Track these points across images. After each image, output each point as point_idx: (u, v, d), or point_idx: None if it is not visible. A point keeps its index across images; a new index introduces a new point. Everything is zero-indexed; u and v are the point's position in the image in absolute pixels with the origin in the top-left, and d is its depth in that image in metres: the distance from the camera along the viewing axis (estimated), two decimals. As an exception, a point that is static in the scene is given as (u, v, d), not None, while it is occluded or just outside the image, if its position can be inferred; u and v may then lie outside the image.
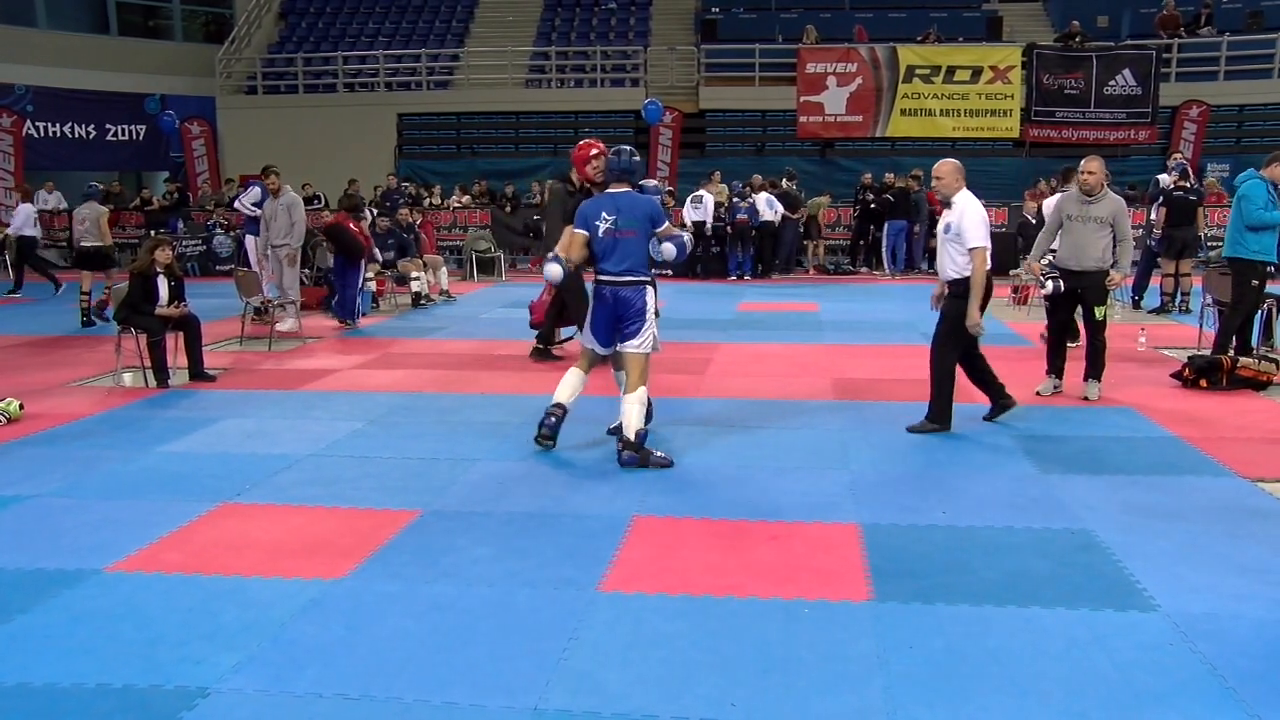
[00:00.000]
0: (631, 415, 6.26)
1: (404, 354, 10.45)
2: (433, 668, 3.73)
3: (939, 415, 7.06)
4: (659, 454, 6.29)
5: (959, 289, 6.91)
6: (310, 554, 4.88)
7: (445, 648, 3.89)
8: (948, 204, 7.05)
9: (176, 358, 8.98)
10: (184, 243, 18.29)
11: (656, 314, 6.51)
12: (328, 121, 22.87)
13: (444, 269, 15.71)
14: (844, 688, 3.57)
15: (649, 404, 6.64)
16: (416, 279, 14.20)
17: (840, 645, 3.88)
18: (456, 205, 20.12)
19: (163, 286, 8.88)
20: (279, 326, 11.42)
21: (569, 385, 6.58)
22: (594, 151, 7.81)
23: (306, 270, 14.73)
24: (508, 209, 19.70)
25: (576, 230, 6.50)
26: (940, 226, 7.17)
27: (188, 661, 3.77)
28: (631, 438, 6.23)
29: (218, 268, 18.52)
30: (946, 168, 7.07)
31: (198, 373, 8.93)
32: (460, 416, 7.61)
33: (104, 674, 3.68)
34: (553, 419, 6.56)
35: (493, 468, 6.27)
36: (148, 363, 8.78)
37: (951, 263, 6.94)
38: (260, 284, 11.66)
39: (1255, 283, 8.64)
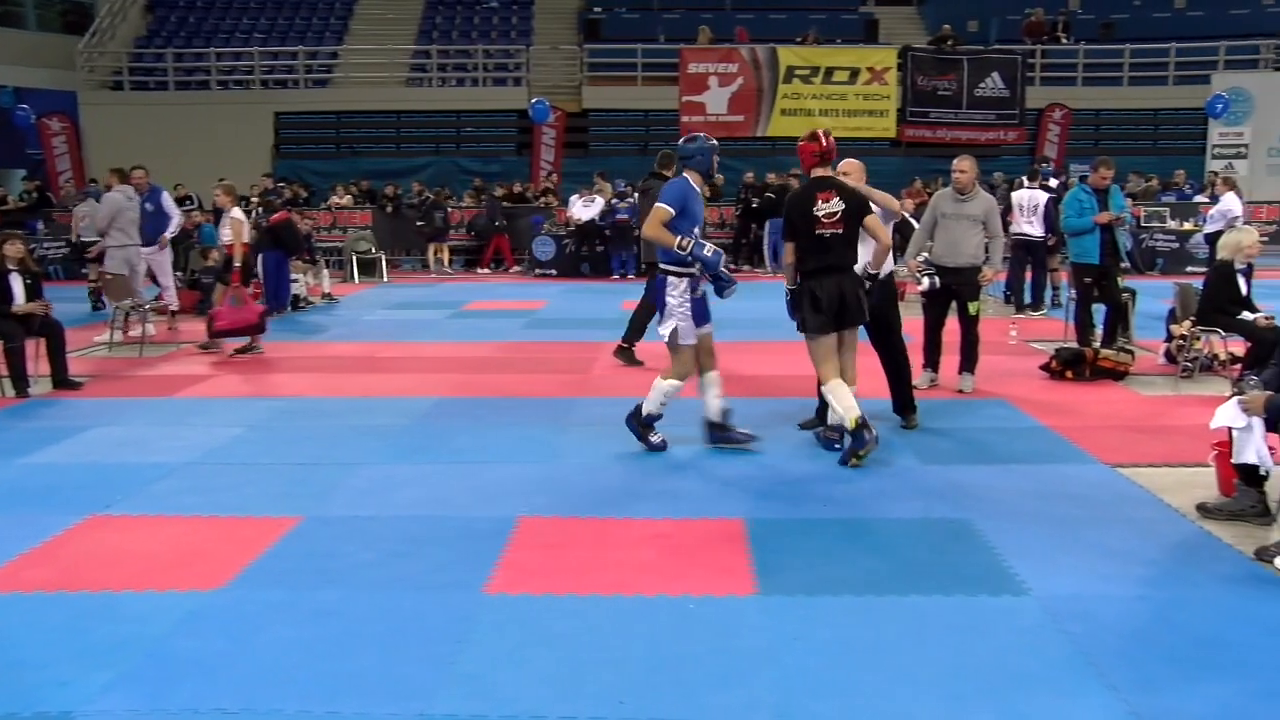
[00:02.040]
0: (652, 391, 6.51)
1: (285, 358, 10.19)
2: (317, 676, 3.65)
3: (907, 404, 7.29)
4: (654, 439, 6.54)
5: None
6: (188, 565, 4.72)
7: (330, 656, 3.81)
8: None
9: (38, 365, 8.57)
10: (45, 244, 17.49)
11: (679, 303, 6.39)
12: (201, 120, 22.11)
13: (325, 271, 15.37)
14: (733, 682, 3.61)
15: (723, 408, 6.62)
16: (295, 280, 13.86)
17: (728, 640, 3.92)
18: (337, 205, 19.70)
19: (16, 285, 8.42)
20: (133, 332, 10.99)
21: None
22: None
23: (179, 274, 14.27)
24: (389, 209, 19.38)
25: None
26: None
27: (52, 684, 3.60)
28: (641, 410, 6.53)
29: (84, 270, 17.76)
30: (853, 165, 7.41)
31: (62, 380, 8.55)
32: (343, 420, 7.45)
33: (-38, 699, 3.50)
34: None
35: (377, 471, 6.16)
36: (5, 371, 8.35)
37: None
38: (132, 288, 11.21)
39: (1087, 281, 9.23)
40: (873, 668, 3.70)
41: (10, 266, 8.45)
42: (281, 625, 4.07)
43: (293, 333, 11.88)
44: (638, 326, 9.43)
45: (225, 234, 10.95)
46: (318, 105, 23.21)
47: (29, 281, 8.53)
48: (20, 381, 8.30)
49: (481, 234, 19.23)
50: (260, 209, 14.57)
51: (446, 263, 18.98)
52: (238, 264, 10.53)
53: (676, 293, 6.36)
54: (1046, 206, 12.66)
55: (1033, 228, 12.70)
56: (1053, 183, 14.05)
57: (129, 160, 12.61)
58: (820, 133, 6.49)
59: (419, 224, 18.83)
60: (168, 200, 11.88)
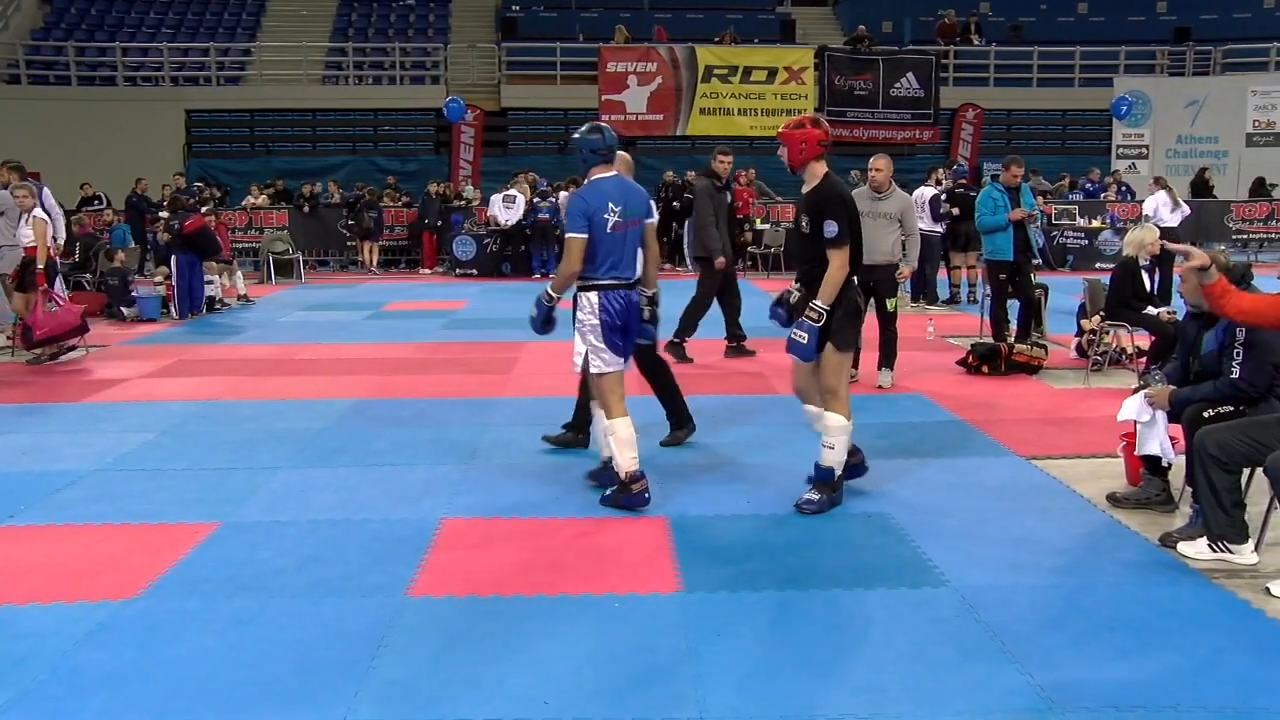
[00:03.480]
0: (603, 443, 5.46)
1: (199, 360, 9.95)
2: (235, 686, 3.57)
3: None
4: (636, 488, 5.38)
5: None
6: (97, 575, 4.58)
7: (248, 665, 3.73)
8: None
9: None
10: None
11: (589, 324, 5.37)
12: (107, 117, 21.51)
13: (239, 272, 15.06)
14: (656, 679, 3.62)
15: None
16: (210, 282, 13.57)
17: (651, 637, 3.93)
18: (253, 206, 19.32)
19: None
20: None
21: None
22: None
23: (88, 275, 13.88)
24: (306, 209, 19.07)
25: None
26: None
27: (-44, 700, 3.47)
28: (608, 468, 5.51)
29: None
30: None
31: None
32: (260, 424, 7.31)
33: None
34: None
35: (294, 476, 6.05)
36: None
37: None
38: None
39: (1001, 277, 9.45)
40: (795, 662, 3.74)
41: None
42: (197, 635, 3.97)
43: (207, 335, 11.62)
44: (689, 322, 9.46)
45: (26, 233, 10.02)
46: (230, 103, 22.77)
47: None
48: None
49: (414, 233, 19.05)
50: (170, 211, 14.17)
51: (374, 263, 18.79)
52: (40, 266, 9.75)
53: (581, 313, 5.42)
54: (930, 202, 13.06)
55: (923, 223, 13.08)
56: (942, 180, 14.42)
57: (30, 156, 12.19)
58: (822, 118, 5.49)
59: (350, 224, 18.58)
60: (48, 198, 11.34)
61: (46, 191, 11.39)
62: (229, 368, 9.56)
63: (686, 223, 18.46)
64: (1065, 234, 18.41)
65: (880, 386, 8.29)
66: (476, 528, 5.18)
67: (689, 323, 9.48)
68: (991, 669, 3.67)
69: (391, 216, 19.41)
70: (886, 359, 8.39)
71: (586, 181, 5.36)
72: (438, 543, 4.95)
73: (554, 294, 5.35)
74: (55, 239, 10.79)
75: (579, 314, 5.40)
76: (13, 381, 8.97)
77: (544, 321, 5.45)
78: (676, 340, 9.43)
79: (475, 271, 18.02)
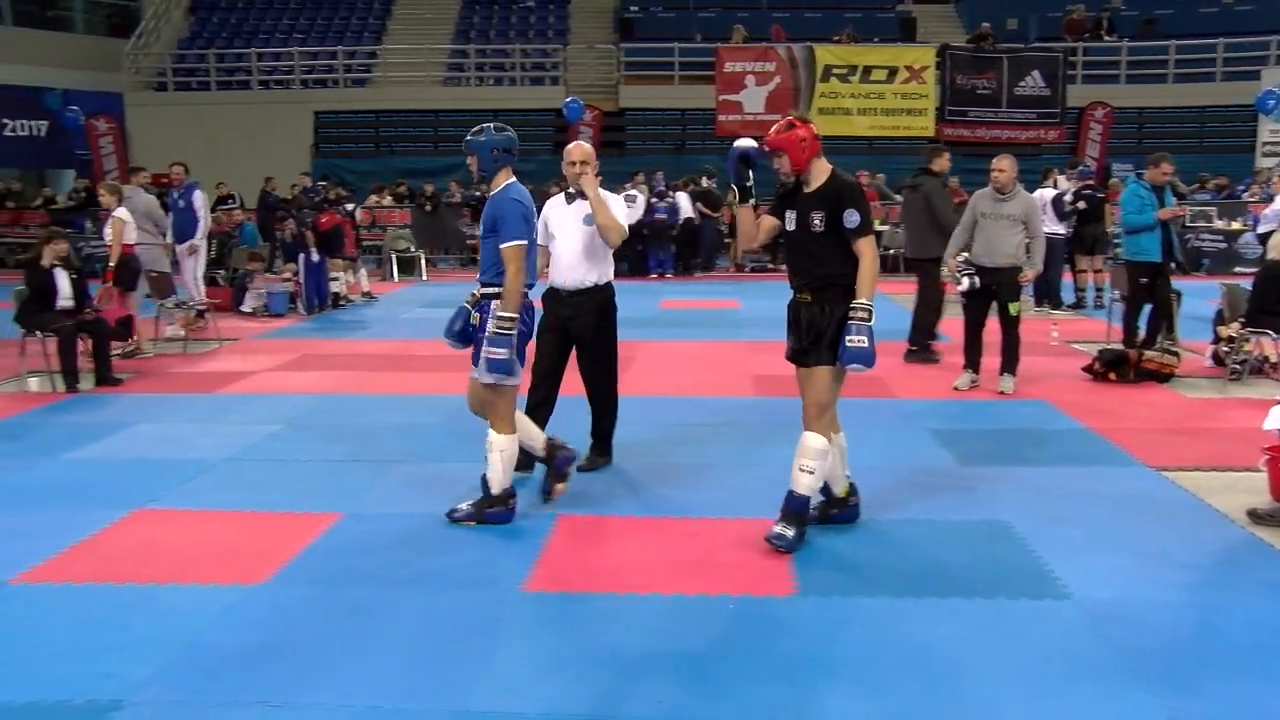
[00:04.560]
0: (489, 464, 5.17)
1: (323, 355, 10.27)
2: (355, 672, 3.67)
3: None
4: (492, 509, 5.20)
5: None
6: (227, 560, 4.77)
7: (368, 651, 3.83)
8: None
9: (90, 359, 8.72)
10: (91, 243, 17.73)
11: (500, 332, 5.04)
12: (242, 119, 22.37)
13: (363, 269, 15.50)
14: (769, 682, 3.59)
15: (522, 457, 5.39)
16: (335, 279, 14.01)
17: (765, 640, 3.91)
18: (378, 205, 19.86)
19: (63, 281, 8.60)
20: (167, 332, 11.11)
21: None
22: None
23: (221, 271, 14.44)
24: (428, 208, 19.51)
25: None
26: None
27: (98, 675, 3.65)
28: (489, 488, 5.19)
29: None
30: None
31: (105, 377, 8.67)
32: (380, 418, 7.50)
33: (7, 691, 3.55)
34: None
35: (413, 469, 6.20)
36: (55, 366, 8.50)
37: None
38: (174, 285, 11.35)
39: (1143, 280, 9.01)
40: (909, 670, 3.67)
41: (55, 264, 8.60)
42: (319, 621, 4.10)
43: (331, 330, 11.98)
44: (925, 325, 9.40)
45: (107, 233, 10.30)
46: (356, 104, 23.41)
47: (74, 277, 8.69)
48: (70, 377, 8.43)
49: None
50: (299, 209, 14.67)
51: None
52: (112, 263, 9.94)
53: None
54: (1052, 203, 12.65)
55: (1045, 225, 12.71)
56: (1063, 181, 13.99)
57: (172, 158, 12.75)
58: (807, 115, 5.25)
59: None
60: (196, 199, 11.86)
61: (197, 192, 11.90)
62: (352, 362, 9.84)
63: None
64: (1200, 237, 17.66)
65: (1001, 392, 8.09)
66: (591, 525, 5.22)
67: (925, 325, 9.33)
68: (1119, 689, 3.54)
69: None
70: (1008, 364, 8.17)
71: (505, 185, 5.09)
72: (553, 539, 5.01)
73: (511, 314, 4.94)
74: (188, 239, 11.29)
75: (489, 322, 5.02)
76: (153, 373, 9.40)
77: (511, 357, 4.98)
78: (915, 347, 9.35)
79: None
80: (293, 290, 13.55)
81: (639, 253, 18.11)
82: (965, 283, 8.08)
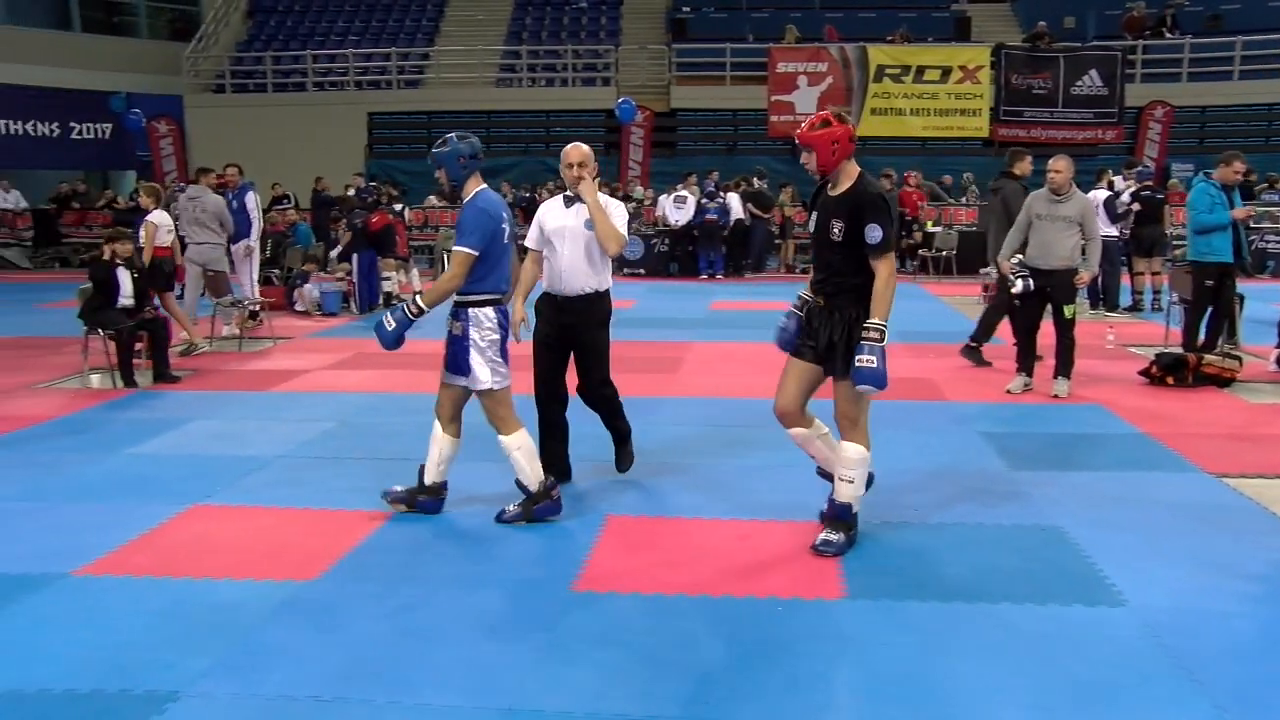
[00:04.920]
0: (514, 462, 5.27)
1: (375, 354, 10.32)
2: (405, 669, 3.71)
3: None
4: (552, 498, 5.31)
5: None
6: (281, 556, 4.84)
7: (418, 649, 3.87)
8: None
9: (143, 358, 8.89)
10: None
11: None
12: (297, 121, 22.70)
13: (415, 269, 15.65)
14: (817, 685, 3.58)
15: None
16: (388, 279, 14.17)
17: (813, 643, 3.89)
18: (429, 206, 20.05)
19: (124, 280, 8.78)
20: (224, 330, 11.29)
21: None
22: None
23: (276, 270, 14.66)
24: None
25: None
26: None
27: (157, 665, 3.73)
28: (525, 488, 5.29)
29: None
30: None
31: (162, 374, 8.84)
32: (431, 416, 7.53)
33: (71, 679, 3.63)
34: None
35: (464, 468, 6.21)
36: (115, 363, 8.69)
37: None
38: (230, 284, 11.54)
39: (1209, 283, 8.79)
40: (959, 675, 3.63)
41: (119, 263, 8.79)
42: (371, 618, 4.15)
43: (384, 330, 12.08)
44: (988, 325, 9.31)
45: (141, 235, 10.35)
46: (409, 106, 23.64)
47: (135, 276, 8.87)
48: (128, 374, 8.62)
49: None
50: (349, 210, 14.86)
51: None
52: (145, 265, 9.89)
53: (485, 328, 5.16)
54: (1104, 205, 12.44)
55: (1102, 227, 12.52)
56: (1119, 182, 13.76)
57: (229, 159, 12.96)
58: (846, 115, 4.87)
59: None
60: (249, 201, 12.06)
61: (250, 194, 12.09)
62: (403, 361, 9.85)
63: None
64: (1265, 238, 17.29)
65: (1055, 395, 7.98)
66: (641, 525, 5.23)
67: (988, 325, 9.25)
68: (1178, 700, 3.47)
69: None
70: (1063, 367, 8.06)
71: (475, 192, 5.09)
72: (602, 539, 5.02)
73: (425, 308, 5.07)
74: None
75: (473, 331, 5.09)
76: (209, 370, 9.56)
77: (398, 339, 5.14)
78: (974, 344, 9.27)
79: (643, 271, 18.21)
80: (346, 290, 13.72)
81: (689, 253, 18.13)
82: (1020, 285, 7.99)
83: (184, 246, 11.53)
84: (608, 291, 5.74)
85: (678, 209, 17.90)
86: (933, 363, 9.32)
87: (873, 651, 3.81)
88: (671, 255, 18.26)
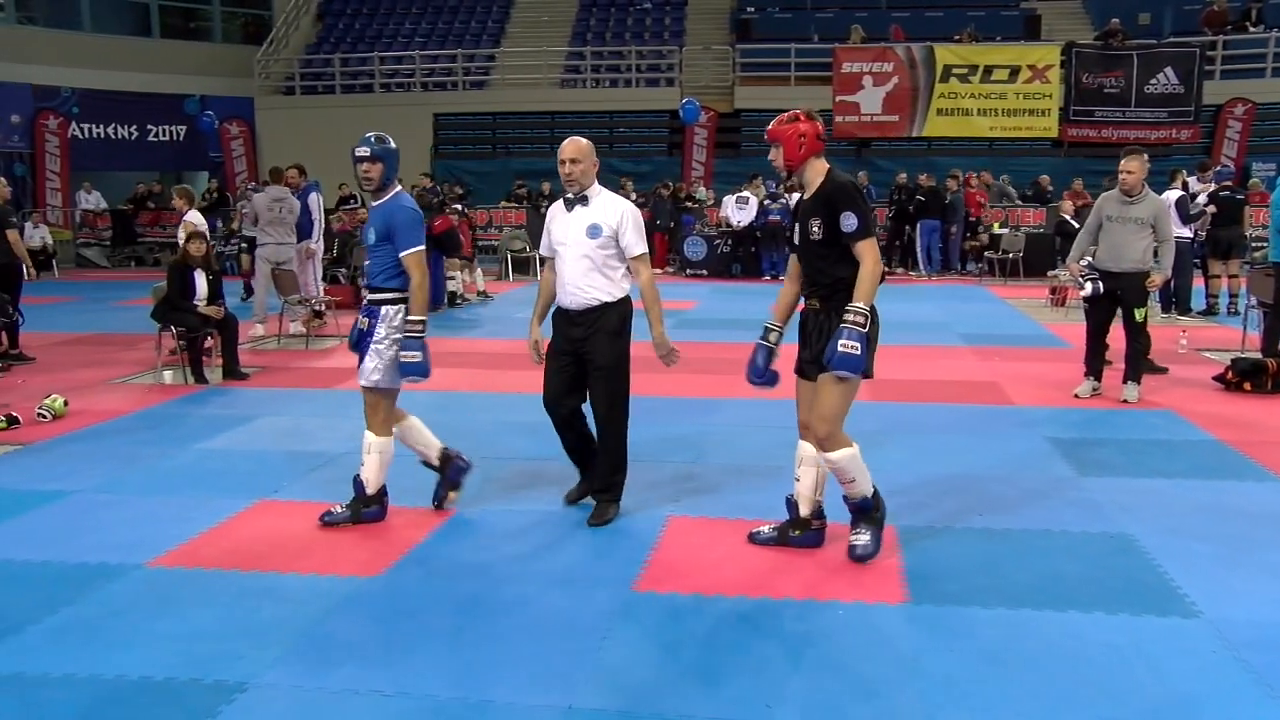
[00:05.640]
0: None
1: (439, 353, 10.35)
2: (466, 665, 3.74)
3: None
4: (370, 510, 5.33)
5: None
6: (346, 551, 4.91)
7: (479, 646, 3.90)
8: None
9: (214, 356, 9.09)
10: (224, 242, 18.47)
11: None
12: (364, 121, 22.81)
13: (479, 269, 15.80)
14: (878, 690, 3.54)
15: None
16: (452, 278, 14.32)
17: (875, 648, 3.86)
18: (491, 206, 20.25)
19: (200, 280, 8.98)
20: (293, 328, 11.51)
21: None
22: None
23: (343, 270, 14.88)
24: (544, 209, 19.78)
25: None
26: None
27: (226, 656, 3.81)
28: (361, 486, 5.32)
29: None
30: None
31: (232, 371, 9.02)
32: (494, 415, 7.63)
33: (145, 667, 3.72)
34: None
35: (527, 467, 6.28)
36: (186, 360, 8.89)
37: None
38: (299, 283, 11.75)
39: None
40: (1023, 683, 3.57)
41: (194, 264, 8.99)
42: (433, 613, 4.19)
43: (447, 328, 12.22)
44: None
45: (180, 234, 10.10)
46: (474, 106, 23.85)
47: (210, 278, 9.06)
48: (199, 371, 8.82)
49: (647, 233, 19.46)
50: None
51: None
52: None
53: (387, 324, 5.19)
54: (1176, 205, 12.13)
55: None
56: (1193, 183, 13.43)
57: (298, 161, 13.19)
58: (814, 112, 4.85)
59: None
60: (312, 201, 12.27)
61: (314, 194, 12.31)
62: (467, 360, 10.02)
63: (918, 226, 18.07)
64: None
65: (1125, 401, 7.81)
66: (702, 526, 5.22)
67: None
68: (1259, 715, 3.38)
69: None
70: (1133, 372, 7.89)
71: (395, 193, 5.25)
72: (664, 539, 5.03)
73: (422, 318, 5.14)
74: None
75: (380, 327, 5.14)
76: (276, 368, 9.74)
77: (427, 360, 5.14)
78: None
79: (705, 272, 18.18)
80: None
81: (752, 254, 18.06)
82: (1088, 288, 7.84)
83: (253, 245, 11.75)
84: (624, 299, 5.28)
85: (741, 210, 17.86)
86: (998, 366, 9.18)
87: (935, 658, 3.77)
88: (734, 256, 18.21)
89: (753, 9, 25.01)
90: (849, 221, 4.39)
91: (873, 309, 4.44)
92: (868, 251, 4.42)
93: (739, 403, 7.96)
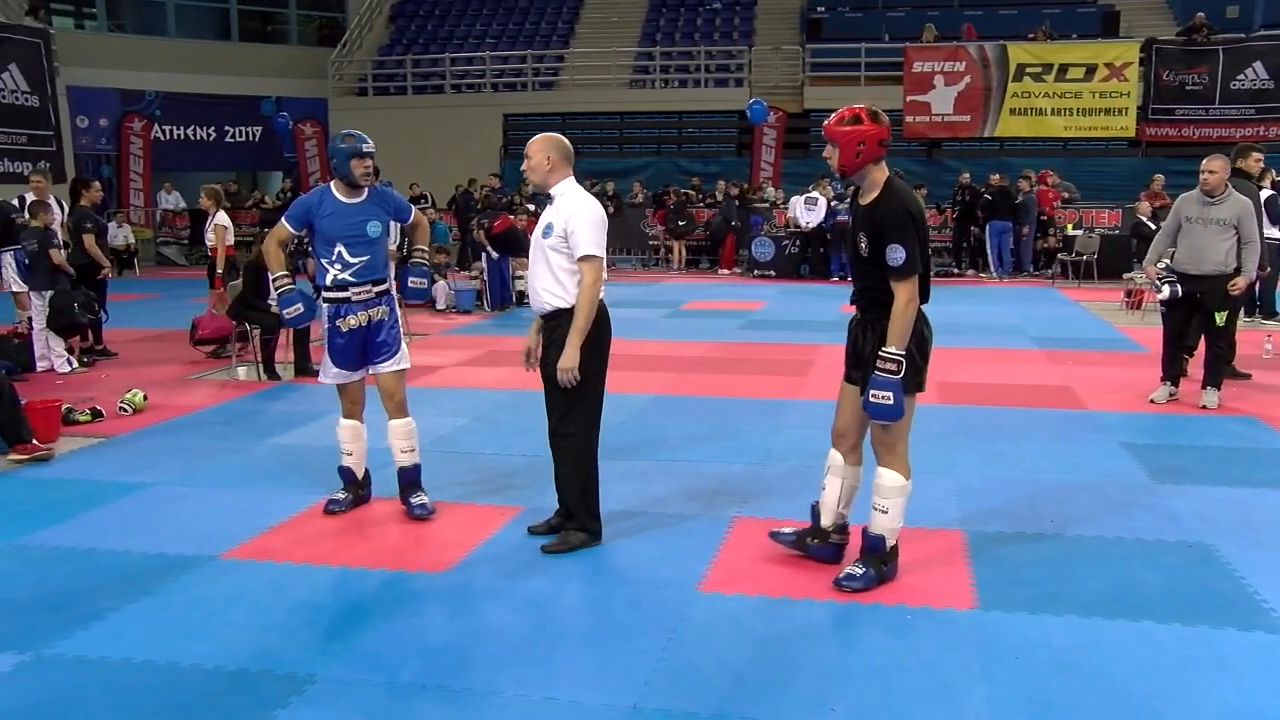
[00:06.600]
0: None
1: (507, 351, 10.58)
2: (531, 663, 3.77)
3: None
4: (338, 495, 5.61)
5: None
6: (414, 547, 4.98)
7: (544, 644, 3.93)
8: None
9: (287, 352, 9.26)
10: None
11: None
12: (435, 122, 23.28)
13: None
14: (945, 697, 3.50)
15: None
16: (520, 277, 14.44)
17: (943, 653, 3.81)
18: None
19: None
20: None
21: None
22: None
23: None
24: (611, 209, 19.85)
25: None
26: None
27: (297, 648, 3.88)
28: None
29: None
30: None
31: (304, 367, 9.18)
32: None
33: (220, 656, 3.81)
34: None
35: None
36: (260, 357, 9.08)
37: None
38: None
39: None
40: (1095, 694, 3.50)
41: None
42: (499, 611, 4.23)
43: (515, 327, 12.32)
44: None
45: (209, 238, 10.51)
46: (544, 107, 23.98)
47: (285, 276, 9.23)
48: (271, 368, 9.00)
49: (716, 234, 19.46)
50: (481, 210, 15.23)
51: (682, 262, 19.50)
52: (219, 270, 10.07)
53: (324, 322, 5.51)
54: (1266, 205, 11.73)
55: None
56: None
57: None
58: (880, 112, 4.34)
59: (680, 224, 19.40)
60: None
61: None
62: (535, 359, 10.07)
63: (987, 227, 17.79)
64: None
65: (1204, 407, 7.61)
66: (768, 528, 5.19)
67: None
68: (1336, 729, 3.28)
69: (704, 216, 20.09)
70: (1213, 378, 7.69)
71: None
72: (729, 540, 5.01)
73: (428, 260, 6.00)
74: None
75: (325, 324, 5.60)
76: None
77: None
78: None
79: (773, 273, 18.10)
80: (479, 288, 14.05)
81: (821, 255, 17.94)
82: (1166, 291, 7.66)
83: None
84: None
85: (809, 210, 17.74)
86: (1071, 370, 9.01)
87: (1004, 665, 3.71)
88: (803, 257, 18.10)
89: (823, 8, 24.83)
90: (896, 255, 4.10)
91: (920, 331, 4.25)
92: (903, 290, 4.13)
93: (807, 404, 7.91)
